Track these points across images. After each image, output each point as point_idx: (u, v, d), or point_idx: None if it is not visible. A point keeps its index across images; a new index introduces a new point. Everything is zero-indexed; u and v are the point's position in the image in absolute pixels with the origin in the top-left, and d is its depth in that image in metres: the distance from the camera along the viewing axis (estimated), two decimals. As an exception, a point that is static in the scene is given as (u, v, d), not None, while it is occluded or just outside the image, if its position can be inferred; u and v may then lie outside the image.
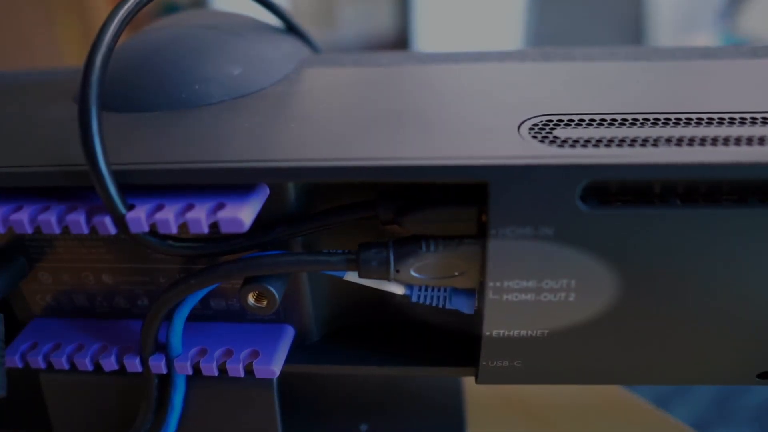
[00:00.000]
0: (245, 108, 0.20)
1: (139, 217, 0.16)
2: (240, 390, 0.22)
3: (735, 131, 0.17)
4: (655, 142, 0.17)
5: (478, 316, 0.19)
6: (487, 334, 0.19)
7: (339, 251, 0.18)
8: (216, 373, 0.21)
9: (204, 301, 0.22)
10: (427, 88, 0.22)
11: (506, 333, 0.19)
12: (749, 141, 0.17)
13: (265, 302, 0.19)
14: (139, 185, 0.17)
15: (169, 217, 0.16)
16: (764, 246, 0.17)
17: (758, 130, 0.17)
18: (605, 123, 0.18)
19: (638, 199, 0.17)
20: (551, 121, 0.18)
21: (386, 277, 0.18)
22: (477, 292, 0.19)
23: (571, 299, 0.18)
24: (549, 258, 0.17)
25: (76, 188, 0.17)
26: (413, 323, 0.23)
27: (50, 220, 0.17)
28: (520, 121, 0.18)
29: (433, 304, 0.20)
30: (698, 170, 0.16)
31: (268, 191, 0.18)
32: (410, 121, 0.19)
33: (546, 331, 0.19)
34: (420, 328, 0.23)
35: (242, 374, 0.21)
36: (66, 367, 0.21)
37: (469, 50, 0.25)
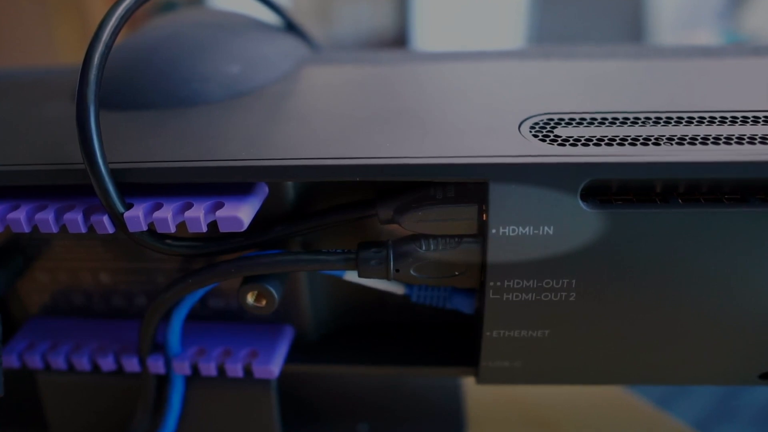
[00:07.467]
0: (244, 106, 0.20)
1: (137, 215, 0.16)
2: (239, 390, 0.22)
3: (736, 130, 0.17)
4: (656, 141, 0.17)
5: (478, 315, 0.19)
6: (488, 334, 0.19)
7: (338, 251, 0.18)
8: (215, 373, 0.21)
9: (203, 300, 0.22)
10: (427, 87, 0.22)
11: (507, 333, 0.19)
12: (751, 140, 0.16)
13: (264, 302, 0.19)
14: (138, 184, 0.17)
15: (167, 216, 0.16)
16: (766, 246, 0.17)
17: (759, 129, 0.17)
18: (606, 122, 0.18)
19: (639, 199, 0.17)
20: (552, 119, 0.18)
21: (386, 277, 0.18)
22: (477, 291, 0.19)
23: (571, 299, 0.18)
24: (550, 257, 0.17)
25: (74, 187, 0.17)
26: (413, 323, 0.23)
27: (48, 219, 0.17)
28: (521, 119, 0.18)
29: (433, 304, 0.20)
30: (699, 169, 0.16)
31: (267, 190, 0.18)
32: (410, 119, 0.18)
33: (547, 331, 0.19)
34: (420, 328, 0.23)
35: (241, 374, 0.20)
36: (63, 366, 0.21)
37: (469, 48, 0.25)
